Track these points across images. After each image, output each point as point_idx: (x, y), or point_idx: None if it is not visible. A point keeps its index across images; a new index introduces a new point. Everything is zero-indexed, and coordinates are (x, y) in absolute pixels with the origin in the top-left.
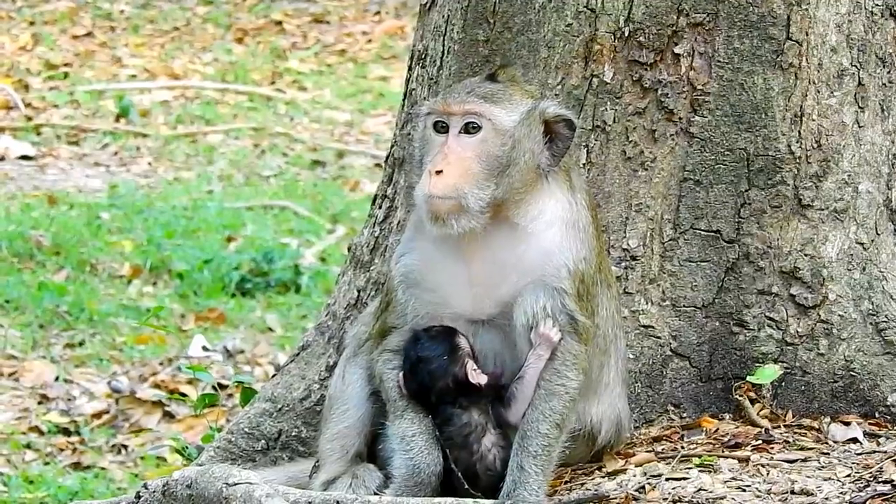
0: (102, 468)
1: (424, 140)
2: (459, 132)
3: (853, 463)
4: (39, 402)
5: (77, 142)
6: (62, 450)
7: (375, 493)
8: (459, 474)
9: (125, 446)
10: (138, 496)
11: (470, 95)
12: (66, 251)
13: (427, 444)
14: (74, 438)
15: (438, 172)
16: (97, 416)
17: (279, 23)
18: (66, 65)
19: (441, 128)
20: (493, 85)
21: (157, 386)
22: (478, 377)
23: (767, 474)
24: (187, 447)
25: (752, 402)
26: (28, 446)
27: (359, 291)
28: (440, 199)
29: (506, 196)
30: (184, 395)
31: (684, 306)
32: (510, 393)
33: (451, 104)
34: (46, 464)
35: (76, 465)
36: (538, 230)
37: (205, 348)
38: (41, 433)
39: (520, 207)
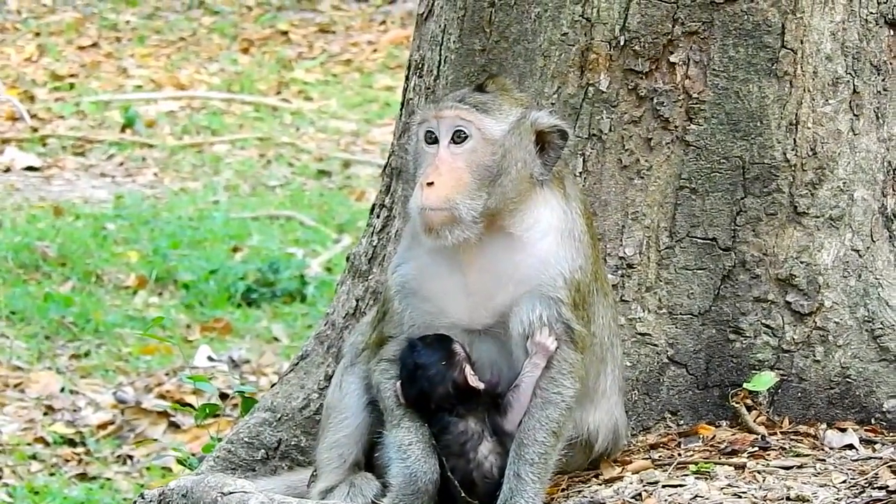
0: (108, 479)
1: (417, 153)
2: (449, 142)
3: (849, 469)
4: (45, 413)
5: (83, 153)
6: (68, 460)
7: (373, 502)
8: (456, 482)
9: (130, 457)
10: None
11: (458, 104)
12: (71, 262)
13: (424, 453)
14: (80, 449)
15: (430, 184)
16: (103, 426)
17: (285, 33)
18: (71, 76)
19: (432, 139)
20: (481, 95)
21: (162, 396)
22: (476, 381)
23: (764, 481)
24: (189, 458)
25: (749, 409)
26: (34, 457)
27: (357, 301)
28: (433, 210)
29: (499, 205)
30: (189, 405)
31: (681, 314)
32: (506, 401)
33: (439, 111)
34: (52, 475)
35: (82, 476)
36: (533, 239)
37: (210, 358)
38: (47, 444)
39: (514, 217)
